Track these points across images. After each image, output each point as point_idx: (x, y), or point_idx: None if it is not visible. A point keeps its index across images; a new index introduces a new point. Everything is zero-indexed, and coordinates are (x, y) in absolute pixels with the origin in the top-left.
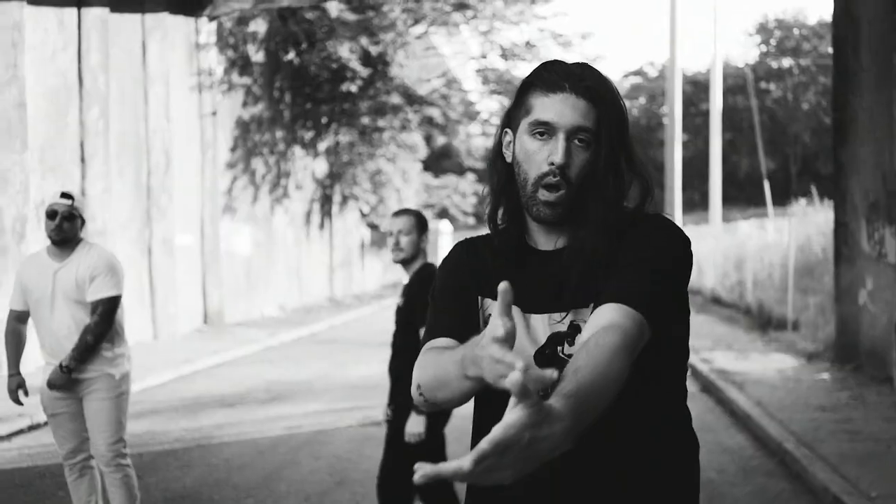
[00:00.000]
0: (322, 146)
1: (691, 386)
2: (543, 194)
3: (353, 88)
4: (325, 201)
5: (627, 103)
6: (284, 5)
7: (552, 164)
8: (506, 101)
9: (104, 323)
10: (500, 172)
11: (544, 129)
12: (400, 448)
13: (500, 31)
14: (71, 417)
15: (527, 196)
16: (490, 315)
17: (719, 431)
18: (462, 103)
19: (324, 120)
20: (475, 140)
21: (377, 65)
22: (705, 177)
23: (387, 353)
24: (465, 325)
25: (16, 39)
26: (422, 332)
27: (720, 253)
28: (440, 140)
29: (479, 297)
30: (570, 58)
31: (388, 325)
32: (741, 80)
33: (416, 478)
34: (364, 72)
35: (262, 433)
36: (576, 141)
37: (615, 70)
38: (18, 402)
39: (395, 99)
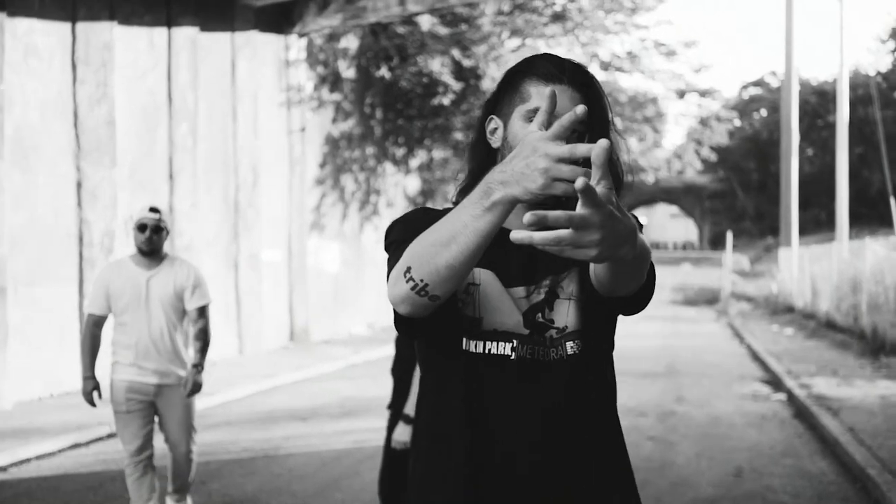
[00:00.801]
0: (414, 163)
1: (785, 411)
2: None
3: (446, 102)
4: None
5: (744, 114)
6: (372, 21)
7: None
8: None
9: (209, 324)
10: (482, 157)
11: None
12: (394, 453)
13: (601, 42)
14: (142, 415)
15: None
16: (468, 283)
17: (803, 457)
18: None
19: (416, 136)
20: None
21: (469, 78)
22: (832, 194)
23: None
24: None
25: (106, 59)
26: None
27: (836, 274)
28: None
29: None
30: (676, 68)
31: None
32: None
33: (514, 236)
34: (456, 85)
35: (329, 446)
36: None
37: (732, 81)
38: (93, 404)
39: None
